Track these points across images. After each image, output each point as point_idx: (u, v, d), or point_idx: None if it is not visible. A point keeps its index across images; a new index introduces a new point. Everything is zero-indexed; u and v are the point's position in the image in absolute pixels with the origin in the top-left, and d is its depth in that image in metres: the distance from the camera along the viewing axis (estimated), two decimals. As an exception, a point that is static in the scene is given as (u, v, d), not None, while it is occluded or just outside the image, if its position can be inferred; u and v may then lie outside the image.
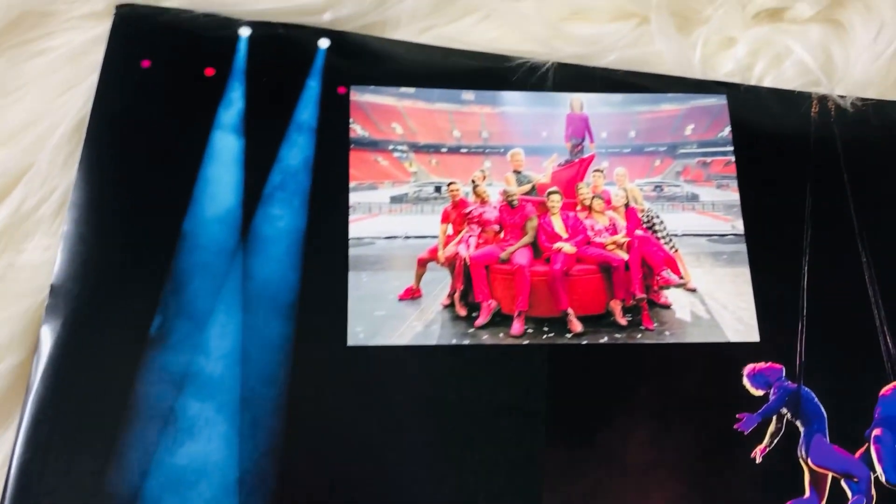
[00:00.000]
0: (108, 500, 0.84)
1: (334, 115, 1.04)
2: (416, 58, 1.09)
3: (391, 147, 1.06)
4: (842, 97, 1.09)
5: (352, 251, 1.00)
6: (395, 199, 1.05)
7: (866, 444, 0.95)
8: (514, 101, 1.07)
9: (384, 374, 0.96)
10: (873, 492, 0.93)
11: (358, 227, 1.01)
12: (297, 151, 1.01)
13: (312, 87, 1.04)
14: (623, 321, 1.01)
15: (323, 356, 0.96)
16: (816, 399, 0.97)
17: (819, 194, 1.06)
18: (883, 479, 0.93)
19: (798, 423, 0.96)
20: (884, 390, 0.97)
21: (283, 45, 1.06)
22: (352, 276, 1.00)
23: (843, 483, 0.93)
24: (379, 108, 1.05)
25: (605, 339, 0.99)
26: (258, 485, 0.88)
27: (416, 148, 1.07)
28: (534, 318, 1.01)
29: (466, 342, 0.98)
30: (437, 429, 0.95)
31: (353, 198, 1.02)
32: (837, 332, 0.99)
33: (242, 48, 1.05)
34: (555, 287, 1.01)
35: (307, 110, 1.03)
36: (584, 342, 0.99)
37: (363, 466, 0.93)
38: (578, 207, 1.06)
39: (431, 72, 1.08)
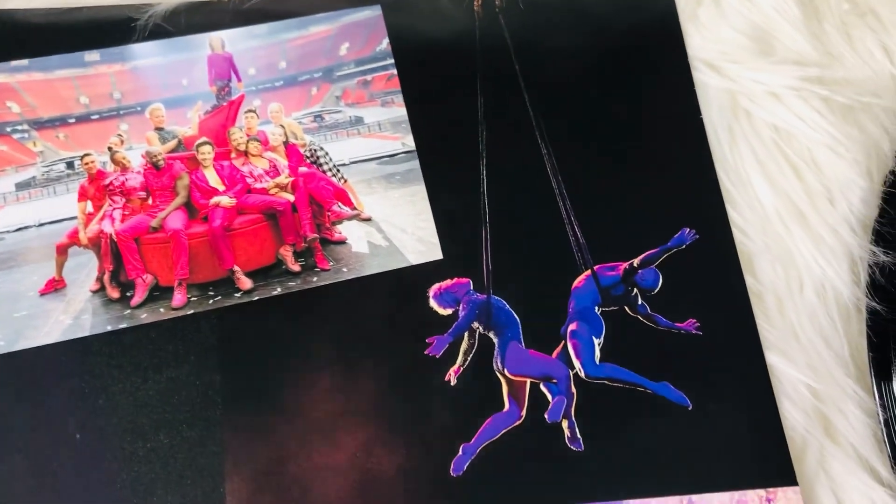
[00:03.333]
0: None
1: (-64, 105, 0.98)
2: (30, 23, 1.03)
3: (9, 129, 0.99)
4: (502, -15, 1.08)
5: (-23, 252, 0.95)
6: (22, 186, 0.98)
7: (563, 342, 0.96)
8: (146, 53, 1.02)
9: (38, 380, 0.92)
10: (573, 389, 0.94)
11: (-19, 223, 0.96)
12: None
13: None
14: (296, 267, 0.98)
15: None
16: (508, 306, 0.96)
17: (491, 92, 1.05)
18: (582, 373, 0.94)
19: (491, 335, 0.95)
20: (576, 283, 0.98)
21: None
22: (-18, 282, 0.94)
23: (542, 387, 0.94)
24: (-13, 88, 0.98)
25: (278, 291, 0.96)
26: None
27: (39, 124, 1.00)
28: (197, 284, 0.97)
29: (124, 325, 0.94)
30: (105, 426, 0.91)
31: (-29, 192, 0.97)
32: (523, 232, 0.99)
33: None
34: (217, 246, 0.97)
35: None
36: (256, 298, 0.96)
37: (37, 481, 0.88)
38: (233, 155, 1.02)
39: (49, 36, 1.02)
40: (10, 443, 0.89)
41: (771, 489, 0.88)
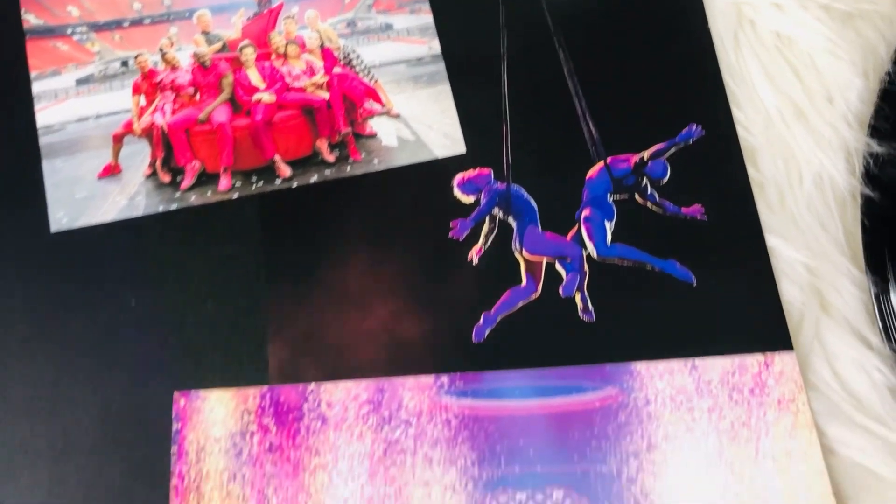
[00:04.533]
0: None
1: (3, 8, 1.08)
2: (87, -61, 1.13)
3: (70, 31, 1.10)
4: None
5: (42, 140, 1.05)
6: (81, 82, 1.09)
7: (577, 226, 1.05)
8: (193, -37, 1.12)
9: (97, 254, 1.02)
10: (586, 268, 1.03)
11: (45, 115, 1.06)
12: (-33, 52, 1.05)
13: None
14: (331, 158, 1.08)
15: (26, 246, 1.02)
16: (526, 194, 1.06)
17: (512, 1, 1.14)
18: (594, 253, 1.03)
19: (511, 220, 1.05)
20: (589, 174, 1.07)
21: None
22: (46, 165, 1.04)
23: (557, 266, 1.03)
24: (50, -7, 1.09)
25: (315, 178, 1.06)
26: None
27: (97, 27, 1.11)
28: (241, 171, 1.07)
29: (174, 207, 1.04)
30: (157, 296, 1.01)
31: (37, 87, 1.07)
32: (541, 127, 1.08)
33: None
34: (258, 138, 1.07)
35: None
36: (295, 185, 1.06)
37: (99, 343, 0.99)
38: (273, 56, 1.12)
39: (105, -50, 1.12)
40: (74, 308, 1.00)
41: (769, 353, 0.97)
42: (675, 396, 0.96)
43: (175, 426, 0.95)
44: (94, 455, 0.94)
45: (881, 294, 0.98)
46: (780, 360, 0.97)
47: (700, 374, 0.97)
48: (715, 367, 0.97)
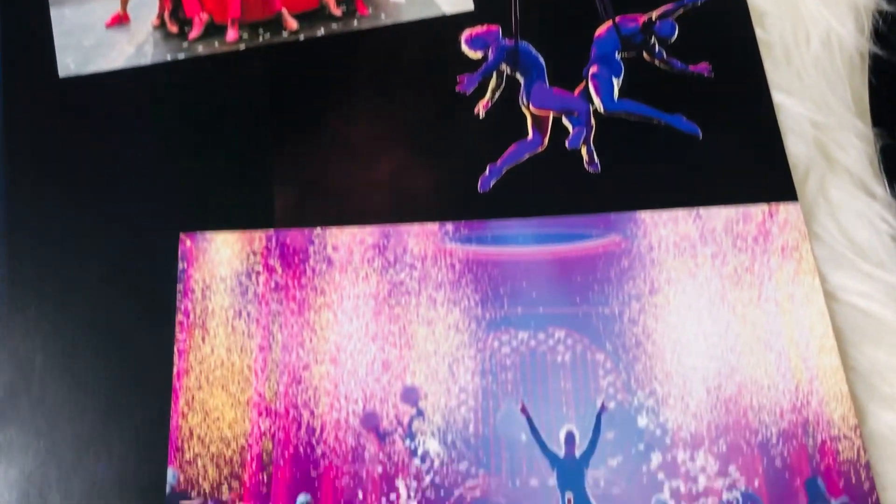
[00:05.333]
0: None
1: None
2: None
3: None
4: None
5: (50, -12, 1.06)
6: (90, -68, 1.10)
7: (584, 82, 1.05)
8: None
9: (103, 100, 1.04)
10: (592, 122, 1.04)
11: (53, -36, 1.07)
12: None
13: None
14: (337, 11, 1.08)
15: (35, 89, 1.03)
16: (534, 51, 1.06)
17: None
18: (601, 108, 1.04)
19: (518, 76, 1.05)
20: (597, 32, 1.07)
21: None
22: (54, 12, 1.05)
23: (564, 120, 1.04)
24: None
25: (322, 32, 1.07)
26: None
27: None
28: (248, 23, 1.08)
29: (182, 56, 1.05)
30: (163, 141, 1.02)
31: (45, -63, 1.08)
32: (550, -12, 1.09)
33: None
34: (266, -10, 1.08)
35: None
36: (302, 38, 1.07)
37: (100, 187, 1.00)
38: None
39: None
40: (82, 151, 1.01)
41: (773, 204, 0.98)
42: (679, 243, 0.97)
43: (181, 266, 0.96)
44: (101, 291, 0.95)
45: (886, 147, 0.99)
46: (785, 209, 0.98)
47: (704, 222, 0.98)
48: (719, 216, 0.98)
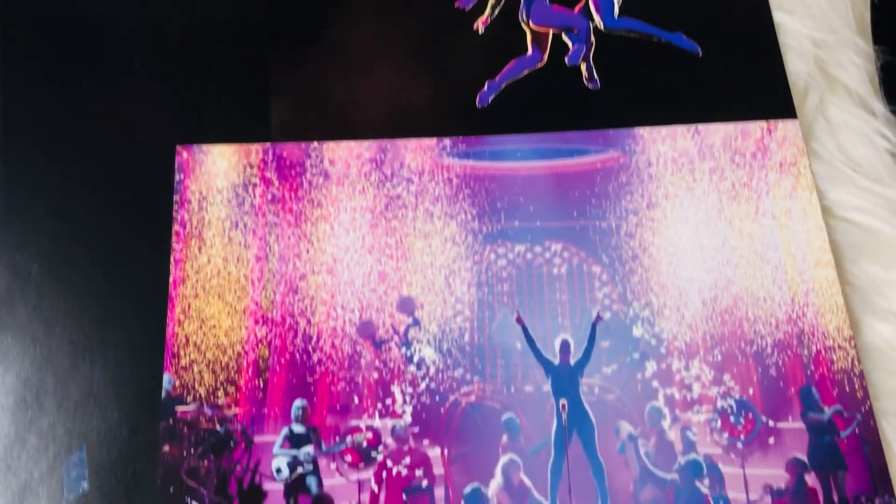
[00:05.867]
0: None
1: None
2: None
3: None
4: None
5: None
6: None
7: (584, 0, 1.05)
8: None
9: (101, 13, 1.03)
10: (592, 39, 1.03)
11: None
12: None
13: None
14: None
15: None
16: (536, -32, 1.06)
17: None
18: (601, 26, 1.04)
19: (518, -7, 1.05)
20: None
21: None
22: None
23: (563, 37, 1.04)
24: None
25: (320, -53, 1.07)
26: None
27: None
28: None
29: (179, -31, 1.05)
30: (159, 53, 1.02)
31: None
32: None
33: None
34: None
35: None
36: (301, -49, 1.06)
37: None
38: None
39: None
40: (79, 62, 1.01)
41: (772, 121, 0.98)
42: (678, 159, 0.97)
43: (177, 177, 0.96)
44: (98, 202, 0.95)
45: (887, 64, 0.99)
46: (784, 126, 0.98)
47: (703, 138, 0.98)
48: (718, 132, 0.98)
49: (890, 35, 0.99)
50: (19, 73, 1.00)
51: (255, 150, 0.98)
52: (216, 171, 0.97)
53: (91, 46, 1.02)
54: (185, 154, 0.97)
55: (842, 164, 0.96)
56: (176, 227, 0.95)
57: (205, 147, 0.98)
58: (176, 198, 0.96)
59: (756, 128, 0.98)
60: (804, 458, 0.85)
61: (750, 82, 1.00)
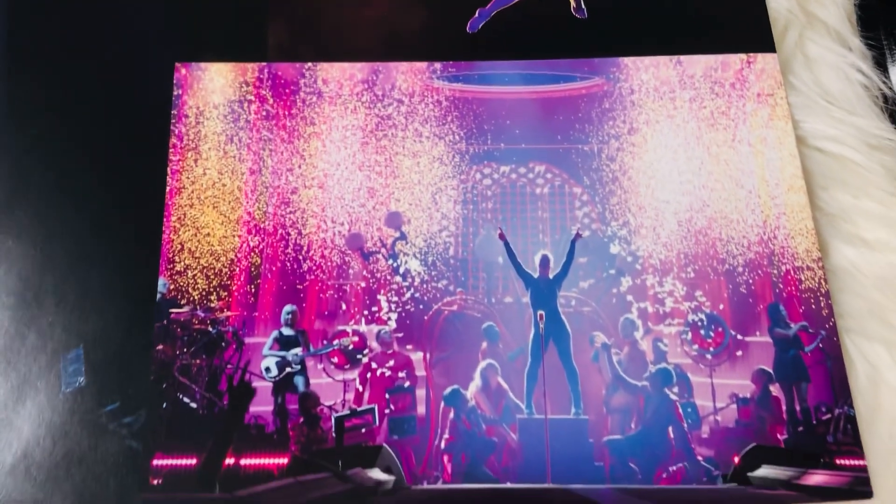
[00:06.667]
0: None
1: None
2: None
3: None
4: None
5: None
6: None
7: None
8: None
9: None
10: (581, -29, 1.07)
11: None
12: None
13: None
14: None
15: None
16: None
17: None
18: (590, -41, 1.07)
19: (510, -75, 1.08)
20: None
21: None
22: None
23: (553, -32, 1.07)
24: None
25: None
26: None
27: None
28: None
29: None
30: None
31: None
32: None
33: None
34: None
35: None
36: None
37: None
38: None
39: None
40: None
41: (752, 54, 1.02)
42: (659, 87, 1.01)
43: (175, 92, 1.00)
44: (99, 113, 0.98)
45: (864, 2, 1.03)
46: (763, 59, 1.01)
47: (684, 68, 1.02)
48: (699, 62, 1.02)
49: (869, -27, 1.03)
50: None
51: (252, 68, 1.01)
52: (213, 88, 1.01)
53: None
54: (183, 71, 1.01)
55: (817, 95, 1.00)
56: (173, 140, 0.98)
57: (203, 65, 1.01)
58: (174, 112, 0.99)
59: (736, 60, 1.01)
60: (770, 369, 0.90)
61: (732, 17, 1.04)
